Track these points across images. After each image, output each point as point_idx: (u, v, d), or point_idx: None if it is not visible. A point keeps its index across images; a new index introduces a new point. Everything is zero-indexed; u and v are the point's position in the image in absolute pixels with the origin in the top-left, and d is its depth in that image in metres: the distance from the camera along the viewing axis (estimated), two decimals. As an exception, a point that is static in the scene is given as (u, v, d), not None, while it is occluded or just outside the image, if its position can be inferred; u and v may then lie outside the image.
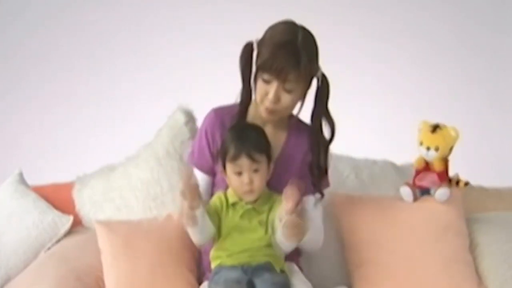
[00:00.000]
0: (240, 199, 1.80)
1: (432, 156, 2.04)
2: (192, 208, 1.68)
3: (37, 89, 3.49)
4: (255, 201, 1.80)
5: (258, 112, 1.88)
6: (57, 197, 2.28)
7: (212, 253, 1.84)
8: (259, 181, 1.77)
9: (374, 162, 2.33)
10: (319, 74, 1.86)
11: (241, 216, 1.79)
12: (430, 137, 2.04)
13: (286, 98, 1.80)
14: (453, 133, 2.04)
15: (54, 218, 2.18)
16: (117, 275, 1.93)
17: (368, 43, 3.41)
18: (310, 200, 1.93)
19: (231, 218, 1.79)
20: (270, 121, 1.89)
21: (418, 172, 2.08)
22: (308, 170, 1.92)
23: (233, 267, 1.78)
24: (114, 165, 2.28)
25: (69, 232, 2.19)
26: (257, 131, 1.82)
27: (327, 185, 1.97)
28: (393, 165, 2.33)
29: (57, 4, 3.48)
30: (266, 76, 1.78)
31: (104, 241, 1.98)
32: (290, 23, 1.83)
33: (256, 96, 1.84)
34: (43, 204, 2.22)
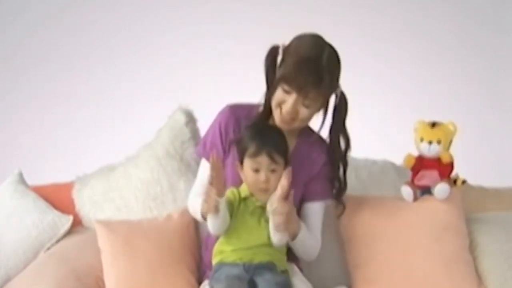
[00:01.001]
0: (252, 195, 1.81)
1: (435, 150, 2.03)
2: (219, 194, 1.71)
3: (37, 89, 3.49)
4: (265, 199, 1.80)
5: (273, 116, 1.88)
6: (57, 197, 2.28)
7: (216, 247, 1.84)
8: (275, 181, 1.77)
9: (374, 162, 2.33)
10: (338, 91, 1.88)
11: (251, 213, 1.80)
12: (431, 132, 2.04)
13: (303, 112, 1.82)
14: (451, 127, 2.04)
15: (54, 218, 2.18)
16: (117, 275, 1.93)
17: (368, 43, 3.41)
18: (314, 207, 1.95)
19: (241, 214, 1.80)
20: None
21: (415, 172, 2.08)
22: (329, 183, 1.95)
23: (234, 264, 1.78)
24: (114, 165, 2.28)
25: (69, 232, 2.19)
26: (280, 134, 1.82)
27: (332, 196, 2.00)
28: (393, 165, 2.32)
29: (57, 4, 3.48)
30: (286, 88, 1.79)
31: (104, 241, 1.98)
32: (318, 38, 1.84)
33: (273, 100, 1.84)
34: (43, 204, 2.22)
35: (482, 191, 2.33)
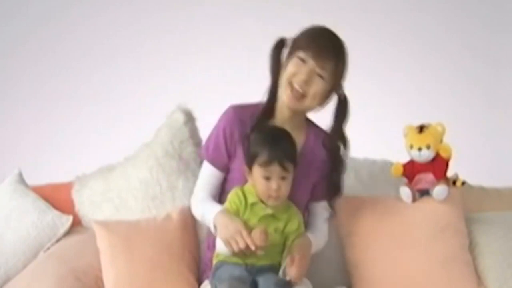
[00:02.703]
0: (261, 201, 1.79)
1: (425, 155, 2.03)
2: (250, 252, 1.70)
3: (36, 89, 3.48)
4: (275, 207, 1.79)
5: (281, 113, 1.87)
6: (56, 197, 2.28)
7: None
8: (286, 188, 1.77)
9: (374, 162, 2.33)
10: (342, 92, 1.87)
11: (260, 220, 1.78)
12: (419, 138, 2.04)
13: (317, 84, 1.78)
14: (439, 128, 2.03)
15: (53, 218, 2.18)
16: (116, 274, 1.93)
17: (368, 43, 3.41)
18: (322, 205, 1.96)
19: (247, 219, 1.77)
20: (291, 118, 1.87)
21: (411, 177, 2.08)
22: (326, 185, 1.94)
23: (236, 264, 1.77)
24: (113, 165, 2.28)
25: (68, 232, 2.19)
26: (289, 139, 1.80)
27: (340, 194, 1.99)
28: (392, 165, 2.32)
29: (57, 4, 3.48)
30: (302, 55, 1.77)
31: (103, 241, 1.98)
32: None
33: (284, 77, 1.80)
34: (42, 204, 2.22)
35: (482, 191, 2.33)
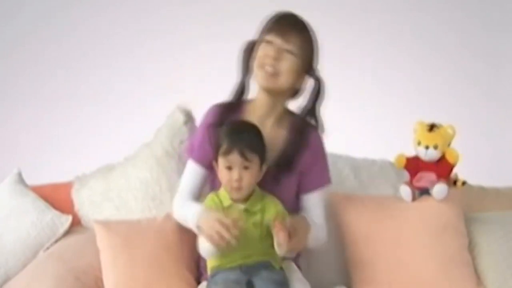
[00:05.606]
0: (234, 201, 1.79)
1: (432, 155, 2.03)
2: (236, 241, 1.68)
3: (36, 89, 3.48)
4: (246, 201, 1.79)
5: (259, 107, 1.89)
6: (56, 197, 2.28)
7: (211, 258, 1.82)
8: (248, 179, 1.76)
9: (373, 162, 2.33)
10: (315, 74, 1.88)
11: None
12: (428, 136, 2.03)
13: (286, 59, 1.81)
14: (450, 131, 2.03)
15: (53, 218, 2.18)
16: (116, 274, 1.93)
17: (368, 43, 3.41)
18: (313, 197, 1.94)
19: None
20: (270, 112, 1.89)
21: (413, 173, 2.08)
22: (323, 169, 1.94)
23: (231, 269, 1.77)
24: (113, 165, 2.28)
25: (68, 232, 2.19)
26: (254, 131, 1.81)
27: (329, 181, 1.98)
28: (392, 165, 2.31)
29: (57, 4, 3.48)
30: (268, 37, 1.82)
31: (103, 241, 1.98)
32: None
33: (255, 62, 1.84)
34: (42, 204, 2.22)
35: (482, 191, 2.33)
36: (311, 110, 1.91)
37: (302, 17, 1.87)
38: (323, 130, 1.92)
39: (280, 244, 1.68)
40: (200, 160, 1.93)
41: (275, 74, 1.82)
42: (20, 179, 2.31)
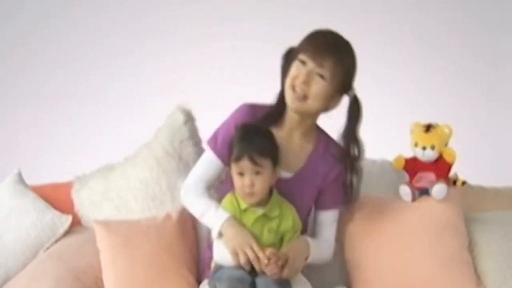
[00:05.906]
0: (251, 205, 1.79)
1: (429, 155, 2.03)
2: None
3: (36, 89, 3.49)
4: (263, 204, 1.79)
5: (290, 120, 1.88)
6: (56, 197, 2.27)
7: None
8: (260, 184, 1.76)
9: (373, 162, 2.32)
10: (352, 93, 1.88)
11: (253, 224, 1.78)
12: (425, 137, 2.03)
13: (317, 84, 1.79)
14: (446, 130, 2.03)
15: (53, 218, 2.18)
16: (116, 274, 1.93)
17: (368, 43, 3.40)
18: (327, 215, 1.96)
19: (243, 225, 1.78)
20: (299, 125, 1.88)
21: (412, 174, 2.08)
22: (342, 190, 1.94)
23: (236, 266, 1.76)
24: (113, 165, 2.28)
25: (68, 232, 2.18)
26: (265, 134, 1.80)
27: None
28: (392, 165, 2.32)
29: (57, 4, 3.48)
30: (302, 57, 1.80)
31: (103, 241, 1.98)
32: None
33: (287, 80, 1.82)
34: (42, 204, 2.22)
35: (482, 191, 2.33)
36: (352, 133, 1.90)
37: (342, 37, 1.84)
38: (363, 152, 1.92)
39: (272, 276, 1.71)
40: (220, 155, 1.91)
41: (304, 98, 1.80)
42: (20, 179, 2.30)
